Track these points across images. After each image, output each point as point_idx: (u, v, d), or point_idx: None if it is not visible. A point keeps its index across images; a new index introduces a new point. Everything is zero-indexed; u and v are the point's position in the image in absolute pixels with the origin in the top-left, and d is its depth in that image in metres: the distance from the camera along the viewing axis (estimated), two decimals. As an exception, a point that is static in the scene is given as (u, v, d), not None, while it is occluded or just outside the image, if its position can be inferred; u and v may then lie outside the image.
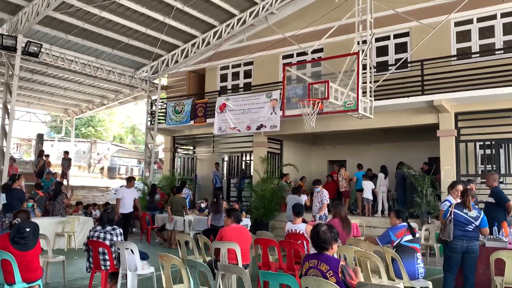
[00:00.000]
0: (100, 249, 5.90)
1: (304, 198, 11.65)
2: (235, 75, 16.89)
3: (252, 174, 15.65)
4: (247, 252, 5.87)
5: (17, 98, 18.32)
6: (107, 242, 5.90)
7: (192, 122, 16.11)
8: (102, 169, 23.92)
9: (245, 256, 5.80)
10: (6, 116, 13.20)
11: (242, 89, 16.19)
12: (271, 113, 13.99)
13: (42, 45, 13.27)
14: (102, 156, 25.08)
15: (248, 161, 16.72)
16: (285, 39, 14.41)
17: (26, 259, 5.00)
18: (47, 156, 17.41)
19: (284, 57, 15.57)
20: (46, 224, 10.74)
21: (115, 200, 17.21)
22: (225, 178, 17.90)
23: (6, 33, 12.60)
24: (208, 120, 15.63)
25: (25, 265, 4.97)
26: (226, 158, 18.79)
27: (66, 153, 18.07)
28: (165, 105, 17.54)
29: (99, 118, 36.01)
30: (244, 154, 16.58)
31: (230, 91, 16.45)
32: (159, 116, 17.47)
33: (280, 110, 13.67)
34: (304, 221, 6.98)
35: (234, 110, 14.73)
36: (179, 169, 18.41)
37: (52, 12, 12.59)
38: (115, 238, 5.96)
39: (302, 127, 14.49)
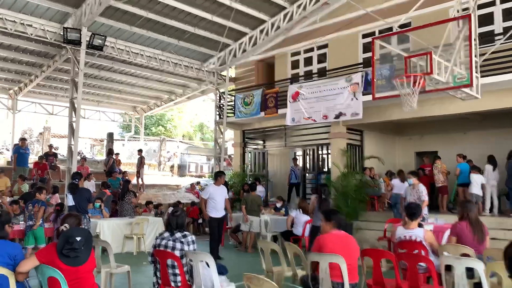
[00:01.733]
0: (169, 261, 4.79)
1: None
2: (308, 61, 15.44)
3: (329, 168, 14.18)
4: (354, 267, 4.48)
5: (86, 97, 18.32)
6: (177, 253, 4.77)
7: (262, 113, 14.91)
8: (172, 167, 23.56)
9: (352, 273, 4.41)
10: (73, 113, 12.78)
11: (316, 75, 14.71)
12: (352, 99, 12.40)
13: (106, 37, 12.71)
14: (172, 154, 24.76)
15: (325, 155, 15.24)
16: (365, 15, 12.74)
17: (78, 275, 3.97)
18: (117, 154, 17.10)
19: (364, 36, 13.84)
20: (114, 226, 10.05)
21: (187, 199, 16.70)
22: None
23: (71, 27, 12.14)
24: (280, 111, 14.37)
25: (76, 283, 3.94)
26: (298, 152, 17.43)
27: (140, 151, 17.66)
28: (233, 98, 16.54)
29: (168, 117, 36.14)
30: (320, 146, 15.11)
31: (303, 78, 15.03)
32: (227, 109, 16.47)
33: (363, 95, 12.22)
34: (419, 225, 5.44)
35: (309, 99, 13.32)
36: (249, 165, 17.33)
37: (115, 2, 11.93)
38: (186, 247, 4.82)
39: (387, 114, 12.90)
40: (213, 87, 17.25)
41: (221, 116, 16.74)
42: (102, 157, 22.32)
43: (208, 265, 4.76)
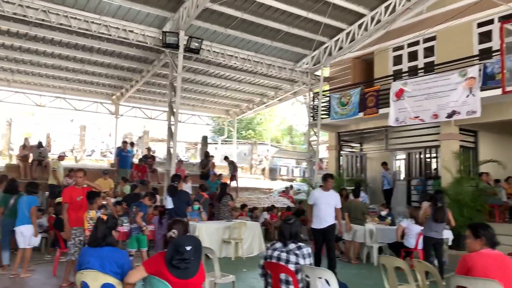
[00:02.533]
0: (282, 276, 4.22)
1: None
2: (412, 55, 14.18)
3: (439, 173, 12.81)
4: (518, 297, 3.54)
5: (182, 101, 18.68)
6: (291, 267, 4.19)
7: (361, 114, 13.99)
8: (263, 170, 23.35)
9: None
10: (172, 117, 12.92)
11: (423, 71, 13.40)
12: (467, 96, 11.04)
13: (202, 40, 12.68)
14: (263, 157, 24.58)
15: (432, 158, 13.85)
16: (481, 2, 11.34)
17: (187, 289, 3.54)
18: (212, 157, 17.16)
19: (480, 25, 12.33)
20: (212, 230, 9.80)
21: (281, 203, 16.17)
22: (400, 179, 15.30)
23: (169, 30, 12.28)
24: (381, 111, 13.34)
25: (185, 297, 3.52)
26: (399, 156, 16.14)
27: (226, 158, 17.62)
28: (328, 99, 15.77)
29: (257, 121, 36.25)
30: (427, 149, 13.75)
31: (407, 74, 13.80)
32: (322, 111, 15.73)
33: (481, 90, 10.81)
34: None
35: (415, 96, 12.17)
36: (344, 169, 16.41)
37: (211, 4, 11.85)
38: (302, 261, 4.22)
39: (509, 112, 11.29)
40: (306, 87, 16.61)
41: (315, 118, 16.04)
42: (196, 160, 22.75)
43: (328, 283, 4.12)
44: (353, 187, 12.23)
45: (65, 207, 6.66)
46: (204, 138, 21.10)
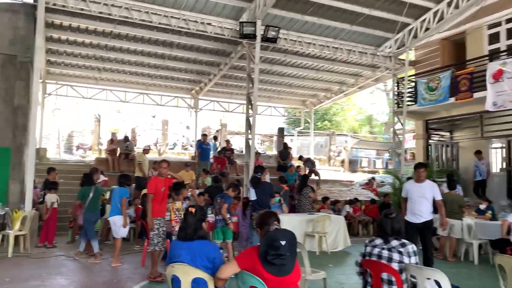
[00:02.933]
0: (384, 275, 3.78)
1: None
2: (511, 32, 12.75)
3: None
4: None
5: (259, 93, 18.59)
6: (395, 266, 3.74)
7: (452, 99, 12.92)
8: (342, 162, 22.61)
9: None
10: (250, 108, 12.79)
11: (525, 49, 12.00)
12: None
13: (279, 28, 12.37)
14: (342, 148, 23.81)
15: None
16: None
17: (282, 287, 3.25)
18: (290, 148, 16.88)
19: None
20: (295, 223, 9.52)
21: (364, 196, 15.42)
22: (495, 170, 13.91)
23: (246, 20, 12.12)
24: (475, 95, 12.19)
25: (279, 297, 3.23)
26: (495, 144, 14.68)
27: (301, 158, 17.11)
28: (413, 84, 14.75)
29: (333, 111, 35.31)
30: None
31: (506, 53, 12.42)
32: (407, 97, 14.75)
33: None
34: None
35: (517, 77, 10.89)
36: (433, 160, 15.28)
37: (287, -10, 11.49)
38: (406, 260, 3.75)
39: None
40: (390, 73, 15.67)
41: (400, 105, 15.09)
42: (272, 152, 22.60)
43: (438, 285, 3.62)
44: (443, 179, 11.28)
45: (149, 198, 6.71)
46: (281, 130, 20.86)
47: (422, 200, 6.76)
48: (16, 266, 7.55)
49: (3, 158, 10.37)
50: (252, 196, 7.15)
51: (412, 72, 16.08)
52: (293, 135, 23.39)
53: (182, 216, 6.35)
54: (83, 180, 8.71)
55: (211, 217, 7.91)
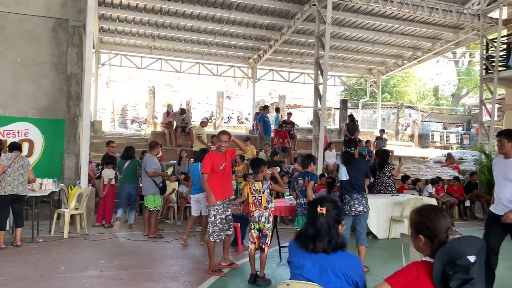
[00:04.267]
0: None
1: None
2: None
3: None
4: None
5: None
6: None
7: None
8: (411, 136, 20.73)
9: None
10: (320, 75, 11.39)
11: None
12: None
13: (355, -18, 10.75)
14: (411, 121, 21.84)
15: None
16: None
17: None
18: (357, 121, 15.37)
19: None
20: (380, 206, 8.25)
21: (447, 174, 13.66)
22: None
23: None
24: None
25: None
26: None
27: (382, 131, 15.65)
28: (505, 46, 12.72)
29: (394, 82, 32.88)
30: None
31: None
32: (500, 61, 12.75)
33: None
34: None
35: None
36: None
37: None
38: None
39: None
40: (479, 34, 13.61)
41: (489, 71, 13.10)
42: (331, 126, 21.06)
43: None
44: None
45: (204, 179, 5.44)
46: (344, 102, 19.22)
47: (505, 182, 4.64)
48: (72, 249, 6.79)
49: (57, 130, 9.70)
50: (343, 175, 5.81)
51: (504, 32, 13.90)
52: (357, 107, 21.72)
53: (262, 201, 5.22)
54: (122, 153, 9.01)
55: (288, 200, 6.76)
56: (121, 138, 14.70)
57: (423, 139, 20.56)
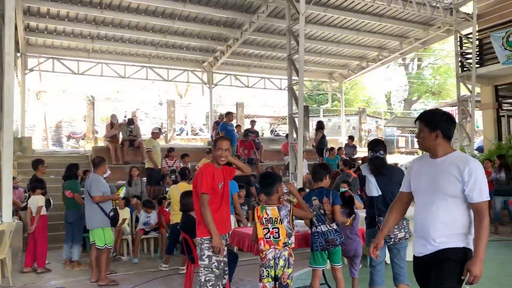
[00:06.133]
0: None
1: None
2: None
3: None
4: None
5: (271, 63, 15.72)
6: None
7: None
8: (373, 142, 19.81)
9: None
10: (295, 73, 9.92)
11: None
12: None
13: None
14: (374, 127, 21.00)
15: None
16: None
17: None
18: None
19: None
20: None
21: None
22: None
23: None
24: None
25: None
26: None
27: (351, 138, 14.52)
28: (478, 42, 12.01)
29: (346, 87, 32.42)
30: None
31: None
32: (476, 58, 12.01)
33: None
34: None
35: None
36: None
37: None
38: None
39: None
40: (450, 29, 12.84)
41: (465, 68, 12.33)
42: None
43: None
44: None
45: (206, 200, 3.76)
46: (306, 108, 17.93)
47: (435, 199, 3.01)
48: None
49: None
50: (373, 190, 4.20)
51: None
52: (318, 115, 20.62)
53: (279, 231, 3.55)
54: (64, 174, 7.31)
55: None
56: (56, 156, 12.37)
57: (388, 145, 19.74)
